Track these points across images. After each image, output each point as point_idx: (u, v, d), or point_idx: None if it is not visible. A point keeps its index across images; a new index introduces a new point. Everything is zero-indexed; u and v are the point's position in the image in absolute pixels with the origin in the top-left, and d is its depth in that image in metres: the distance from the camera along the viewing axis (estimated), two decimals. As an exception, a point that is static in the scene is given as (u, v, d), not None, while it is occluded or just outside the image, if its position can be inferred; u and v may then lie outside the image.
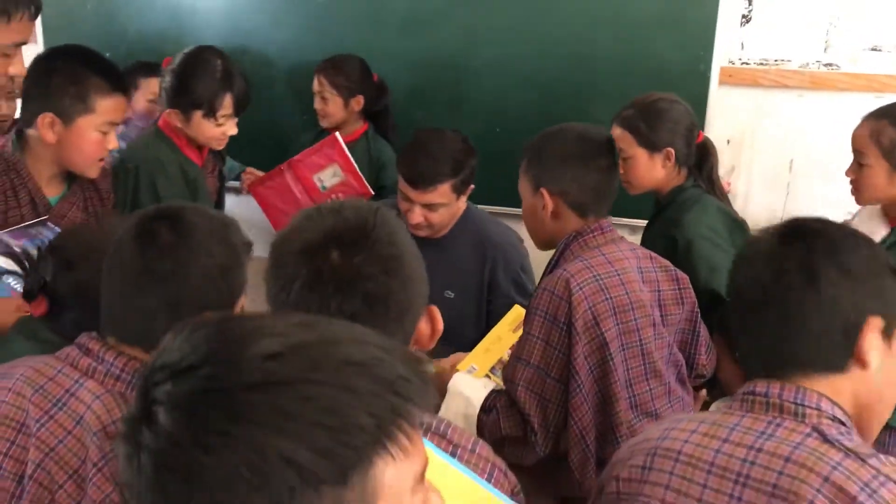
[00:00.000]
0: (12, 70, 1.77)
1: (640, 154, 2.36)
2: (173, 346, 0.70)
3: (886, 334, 1.14)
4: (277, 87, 3.42)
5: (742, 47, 3.08)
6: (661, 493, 1.17)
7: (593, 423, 1.87)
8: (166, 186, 2.54)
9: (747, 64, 3.09)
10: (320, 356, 0.68)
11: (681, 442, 1.19)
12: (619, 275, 1.89)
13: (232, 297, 1.38)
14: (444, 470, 1.00)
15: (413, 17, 3.28)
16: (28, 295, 1.53)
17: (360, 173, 2.93)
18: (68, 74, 2.08)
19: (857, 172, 2.25)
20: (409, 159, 2.43)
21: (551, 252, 2.06)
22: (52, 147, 2.10)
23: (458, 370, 2.10)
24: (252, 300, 1.40)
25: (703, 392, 2.10)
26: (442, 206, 2.44)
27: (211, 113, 2.54)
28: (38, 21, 3.50)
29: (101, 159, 2.17)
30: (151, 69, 3.11)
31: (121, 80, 2.18)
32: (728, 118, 3.12)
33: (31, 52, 3.00)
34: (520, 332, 1.98)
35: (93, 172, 2.18)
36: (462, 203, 2.51)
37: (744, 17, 3.06)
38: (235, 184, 3.21)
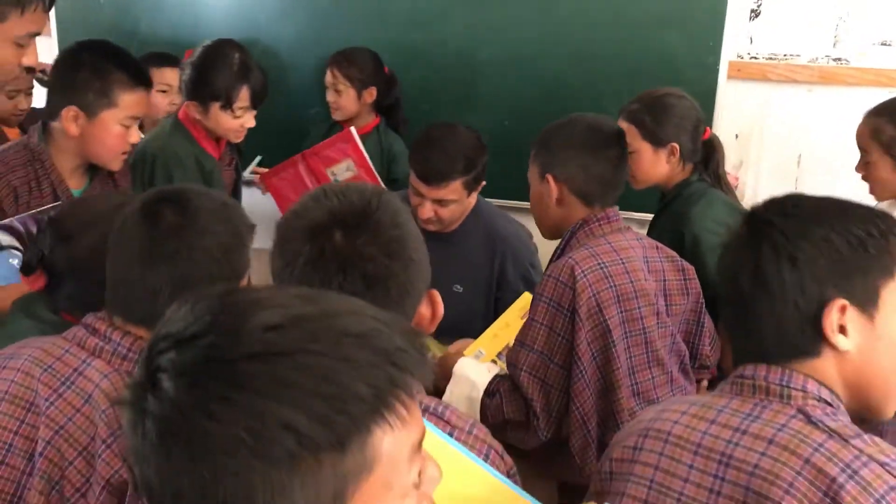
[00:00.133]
0: (26, 61, 1.79)
1: (645, 148, 2.37)
2: (177, 316, 0.72)
3: (863, 311, 1.12)
4: (287, 81, 3.44)
5: (751, 41, 3.08)
6: (651, 472, 1.19)
7: (595, 409, 1.89)
8: (182, 178, 2.57)
9: (756, 58, 3.09)
10: (319, 328, 0.69)
11: (671, 423, 1.21)
12: (623, 263, 1.91)
13: (236, 277, 1.40)
14: (443, 448, 1.02)
15: (421, 12, 3.30)
16: (26, 268, 1.55)
17: (373, 169, 2.95)
18: (93, 69, 2.12)
19: (865, 169, 2.29)
20: (421, 155, 2.43)
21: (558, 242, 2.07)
22: (75, 140, 2.14)
23: (465, 355, 2.13)
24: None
25: (705, 383, 2.12)
26: (453, 202, 2.45)
27: (228, 105, 2.59)
28: (52, 14, 3.56)
29: (124, 153, 2.22)
30: (162, 60, 3.14)
31: (144, 76, 2.22)
32: (736, 112, 3.12)
33: (45, 45, 3.05)
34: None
35: (115, 165, 2.23)
36: (473, 198, 2.53)
37: (752, 11, 3.06)
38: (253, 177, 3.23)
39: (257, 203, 3.09)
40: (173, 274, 1.33)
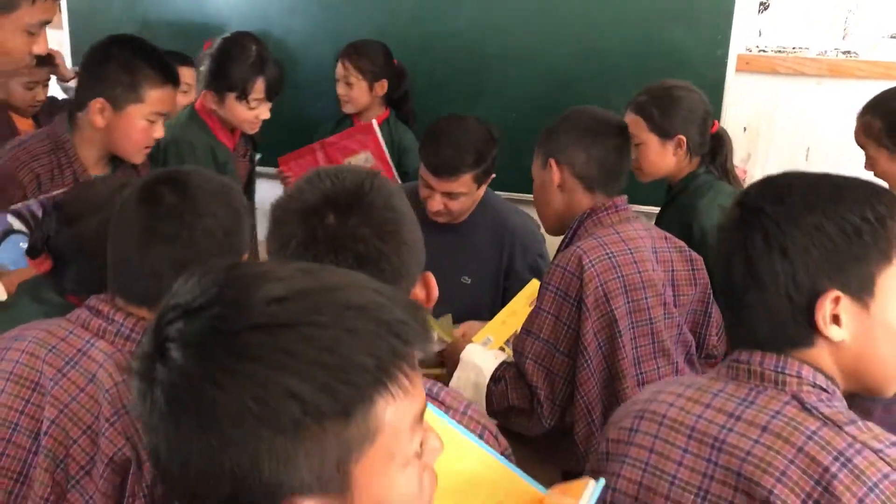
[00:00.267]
0: (36, 49, 1.82)
1: (652, 140, 2.38)
2: (185, 288, 0.73)
3: (858, 300, 1.10)
4: (296, 74, 3.45)
5: (759, 34, 3.08)
6: (646, 455, 1.20)
7: (599, 399, 1.89)
8: (189, 153, 2.62)
9: (764, 51, 3.09)
10: (323, 300, 0.71)
11: (666, 405, 1.21)
12: (631, 253, 1.91)
13: (235, 257, 1.41)
14: (441, 426, 1.03)
15: (430, 5, 3.31)
16: (32, 251, 1.57)
17: (390, 162, 2.96)
18: (123, 63, 2.17)
19: (871, 167, 2.30)
20: (431, 148, 2.44)
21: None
22: (100, 131, 2.19)
23: (472, 342, 2.14)
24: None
25: (711, 373, 2.12)
26: (463, 194, 2.45)
27: (243, 96, 2.65)
28: (64, 8, 3.59)
29: (147, 147, 2.26)
30: (181, 59, 3.17)
31: (172, 73, 2.26)
32: (745, 106, 3.12)
33: (55, 38, 3.08)
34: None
35: (138, 159, 2.27)
36: (482, 190, 2.53)
37: (761, 4, 3.06)
38: (269, 170, 3.24)
39: (274, 196, 3.09)
40: (173, 255, 1.35)
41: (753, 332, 1.14)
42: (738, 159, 2.69)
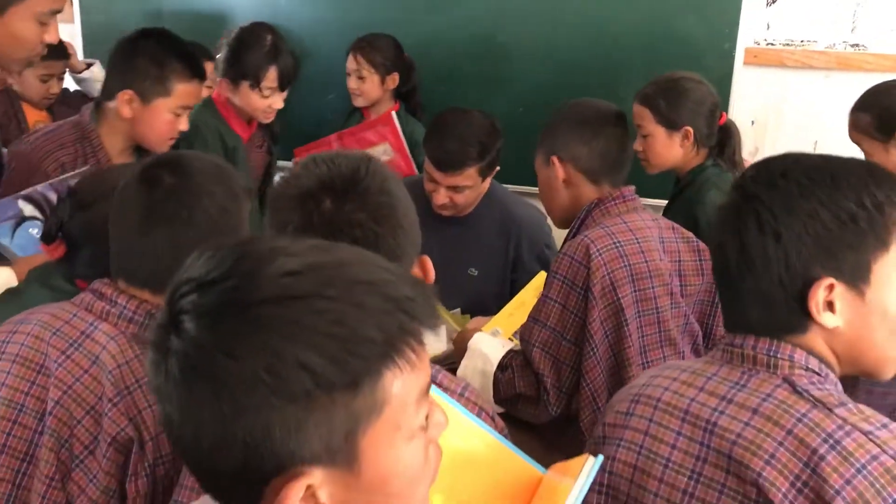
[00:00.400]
0: (48, 38, 1.85)
1: (659, 132, 2.37)
2: (199, 262, 0.75)
3: (853, 287, 1.09)
4: (307, 67, 3.45)
5: (767, 28, 3.07)
6: (640, 438, 1.20)
7: (605, 387, 1.90)
8: (202, 149, 2.64)
9: (772, 44, 3.08)
10: (333, 275, 0.72)
11: (661, 389, 1.21)
12: (639, 243, 1.92)
13: (234, 238, 1.43)
14: (441, 403, 1.04)
15: (439, -4, 3.31)
16: (46, 237, 1.59)
17: (409, 154, 2.98)
18: (152, 57, 2.21)
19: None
20: (435, 141, 2.45)
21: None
22: (127, 122, 2.23)
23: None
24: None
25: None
26: (467, 188, 2.46)
27: (256, 84, 2.70)
28: (76, 0, 3.60)
29: (172, 138, 2.29)
30: (205, 53, 3.20)
31: (200, 68, 2.30)
32: (752, 99, 3.11)
33: (67, 31, 3.10)
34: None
35: (162, 150, 2.29)
36: (487, 183, 2.54)
37: (770, -4, 3.06)
38: (286, 163, 3.24)
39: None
40: (173, 236, 1.36)
41: (747, 317, 1.14)
42: (745, 153, 2.68)
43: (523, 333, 1.98)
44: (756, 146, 3.16)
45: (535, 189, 2.17)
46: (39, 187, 1.92)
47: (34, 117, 3.21)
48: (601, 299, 1.86)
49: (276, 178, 3.10)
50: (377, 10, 3.35)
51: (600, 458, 1.10)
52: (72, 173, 2.03)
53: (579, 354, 1.90)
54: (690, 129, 2.36)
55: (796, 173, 1.11)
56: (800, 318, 1.10)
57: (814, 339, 1.11)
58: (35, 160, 2.15)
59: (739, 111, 3.04)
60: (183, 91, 2.24)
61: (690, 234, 2.05)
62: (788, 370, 1.10)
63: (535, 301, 2.16)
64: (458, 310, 2.51)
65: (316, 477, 0.72)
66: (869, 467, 1.00)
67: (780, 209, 1.09)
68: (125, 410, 1.31)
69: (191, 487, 1.24)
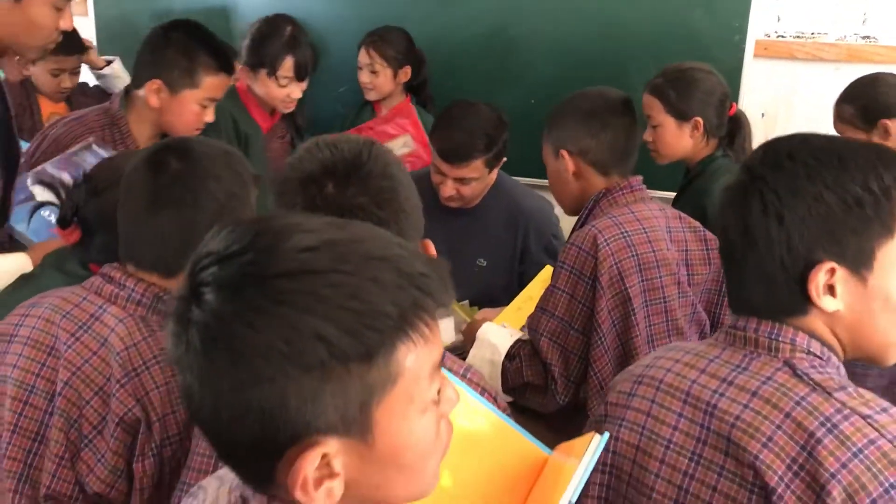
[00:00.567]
0: (63, 24, 1.89)
1: (668, 122, 2.37)
2: (219, 237, 0.76)
3: (855, 272, 1.08)
4: (320, 60, 3.48)
5: (778, 20, 3.06)
6: (643, 419, 1.21)
7: (613, 376, 1.89)
8: (212, 129, 2.68)
9: (783, 37, 3.07)
10: (349, 251, 0.74)
11: (664, 371, 1.21)
12: (646, 232, 1.92)
13: None
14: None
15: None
16: (62, 222, 1.62)
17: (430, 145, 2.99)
18: (182, 49, 2.26)
19: None
20: (442, 134, 2.46)
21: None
22: (154, 111, 2.28)
23: None
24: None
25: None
26: (474, 179, 2.48)
27: (273, 72, 2.76)
28: (89, -8, 3.62)
29: (198, 129, 2.33)
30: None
31: (228, 62, 2.34)
32: (762, 91, 3.10)
33: (81, 24, 3.13)
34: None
35: None
36: (494, 174, 2.55)
37: (780, -11, 3.04)
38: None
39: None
40: (179, 219, 1.39)
41: (750, 299, 1.14)
42: (755, 145, 2.68)
43: (531, 323, 1.98)
44: (766, 139, 3.14)
45: (545, 182, 2.17)
46: (47, 166, 1.95)
47: (50, 109, 3.24)
48: (609, 289, 1.87)
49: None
50: (389, 4, 3.35)
51: (606, 435, 1.10)
52: (75, 148, 2.06)
53: (587, 344, 1.91)
54: (700, 120, 2.36)
55: (803, 154, 1.10)
56: (800, 300, 1.10)
57: (815, 321, 1.11)
58: (64, 143, 2.19)
59: (749, 104, 3.03)
60: (210, 84, 2.28)
61: (697, 224, 2.05)
62: (790, 353, 1.10)
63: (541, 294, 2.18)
64: (467, 302, 2.52)
65: (331, 446, 0.73)
66: (866, 451, 1.00)
67: (784, 191, 1.08)
68: (132, 391, 1.34)
69: (198, 469, 1.26)
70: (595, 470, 1.21)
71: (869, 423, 1.02)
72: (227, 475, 0.89)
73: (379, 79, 3.11)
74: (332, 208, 1.13)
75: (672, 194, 2.63)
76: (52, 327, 1.40)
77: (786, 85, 3.10)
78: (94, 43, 3.50)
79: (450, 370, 1.19)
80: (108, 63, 3.32)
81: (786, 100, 3.12)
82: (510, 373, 1.99)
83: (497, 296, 2.46)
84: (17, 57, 2.95)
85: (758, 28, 3.03)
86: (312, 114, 3.32)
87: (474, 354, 2.06)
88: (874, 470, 0.99)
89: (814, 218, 1.07)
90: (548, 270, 2.28)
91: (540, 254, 2.58)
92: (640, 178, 2.03)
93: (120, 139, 2.26)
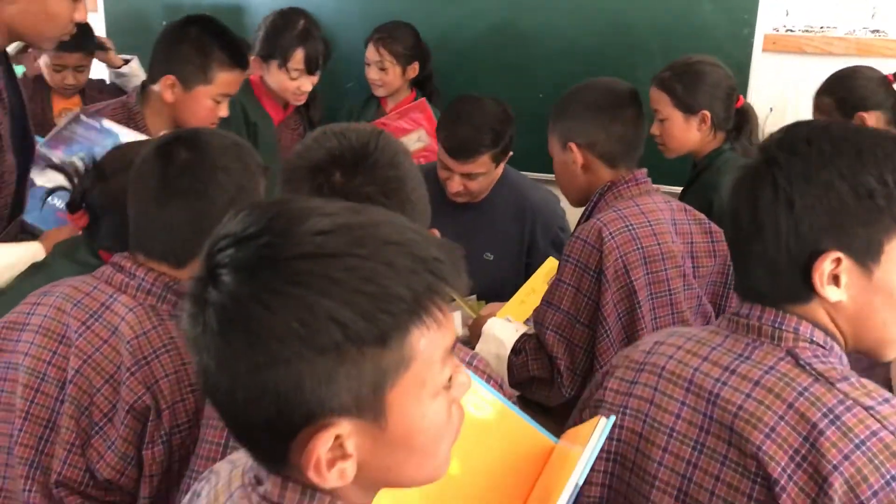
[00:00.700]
0: (77, 16, 1.92)
1: (676, 116, 2.37)
2: (236, 220, 0.77)
3: (861, 264, 1.07)
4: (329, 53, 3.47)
5: (787, 14, 3.05)
6: (646, 407, 1.20)
7: (618, 369, 1.91)
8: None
9: (792, 31, 3.06)
10: (364, 235, 0.75)
11: (666, 358, 1.21)
12: (651, 225, 1.92)
13: None
14: None
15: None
16: (71, 206, 1.64)
17: None
18: (196, 45, 2.28)
19: None
20: (448, 130, 2.46)
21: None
22: (169, 105, 2.30)
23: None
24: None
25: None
26: (481, 174, 2.48)
27: (283, 64, 2.78)
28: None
29: (212, 123, 2.35)
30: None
31: (242, 58, 2.36)
32: (771, 86, 3.10)
33: (91, 19, 3.13)
34: (553, 282, 2.03)
35: None
36: (500, 169, 2.55)
37: (789, -17, 3.04)
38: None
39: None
40: (188, 209, 1.40)
41: (754, 284, 1.14)
42: (763, 139, 2.67)
43: (537, 317, 1.99)
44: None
45: (553, 176, 2.17)
46: (42, 148, 1.97)
47: (63, 105, 3.26)
48: (614, 282, 1.87)
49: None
50: (396, -1, 3.36)
51: (612, 418, 1.10)
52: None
53: (592, 337, 1.91)
54: (708, 113, 2.36)
55: (821, 141, 1.08)
56: (803, 287, 1.09)
57: (817, 310, 1.10)
58: None
59: (758, 98, 3.03)
60: (224, 80, 2.30)
61: (702, 216, 2.05)
62: (793, 342, 1.10)
63: (545, 287, 2.17)
64: (474, 297, 2.52)
65: (344, 428, 0.74)
66: (868, 443, 1.00)
67: (797, 176, 1.07)
68: (142, 379, 1.35)
69: (206, 457, 1.27)
70: (598, 457, 1.21)
71: (871, 415, 1.02)
72: (239, 459, 0.90)
73: (388, 75, 3.12)
74: (339, 197, 1.12)
75: (678, 188, 2.62)
76: (64, 316, 1.42)
77: (794, 79, 3.09)
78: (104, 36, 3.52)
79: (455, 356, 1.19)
80: (126, 62, 3.34)
81: (794, 94, 3.10)
82: (516, 367, 2.00)
83: (504, 289, 2.46)
84: (30, 49, 2.98)
85: (766, 22, 3.03)
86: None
87: (480, 349, 2.07)
88: (876, 462, 0.99)
89: (824, 206, 1.05)
90: (551, 262, 2.28)
91: (547, 247, 2.58)
92: (644, 170, 2.03)
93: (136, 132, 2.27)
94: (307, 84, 2.85)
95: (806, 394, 1.05)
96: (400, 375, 0.74)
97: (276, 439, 0.75)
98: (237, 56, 2.32)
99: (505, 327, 2.09)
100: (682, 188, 2.60)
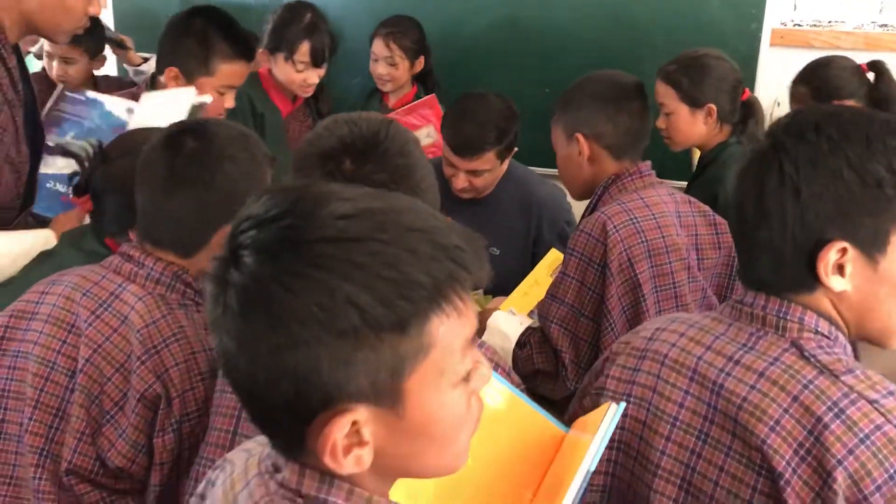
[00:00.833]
0: (91, 10, 1.94)
1: (682, 109, 2.37)
2: (258, 203, 0.77)
3: (867, 254, 1.05)
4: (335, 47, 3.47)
5: (794, 8, 3.05)
6: (649, 395, 1.20)
7: (623, 362, 1.91)
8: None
9: (799, 25, 3.06)
10: (387, 220, 0.75)
11: (668, 345, 1.20)
12: (655, 218, 1.92)
13: None
14: None
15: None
16: (77, 189, 1.65)
17: None
18: (199, 37, 2.28)
19: None
20: (453, 127, 2.45)
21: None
22: None
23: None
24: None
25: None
26: (486, 171, 2.48)
27: (289, 56, 2.79)
28: (106, -19, 3.64)
29: (219, 115, 2.33)
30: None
31: (246, 49, 2.35)
32: (778, 80, 3.07)
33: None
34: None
35: None
36: (505, 164, 2.55)
37: (796, -23, 3.03)
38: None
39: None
40: (195, 198, 1.41)
41: (758, 273, 1.12)
42: (770, 134, 2.67)
43: (541, 310, 1.99)
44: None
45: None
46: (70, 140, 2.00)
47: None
48: (618, 276, 1.87)
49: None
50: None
51: (622, 405, 1.09)
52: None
53: (597, 330, 1.91)
54: (714, 107, 2.35)
55: (829, 127, 1.06)
56: (807, 277, 1.08)
57: (821, 299, 1.09)
58: None
59: (765, 92, 3.02)
60: (227, 71, 2.30)
61: (707, 208, 2.05)
62: (797, 333, 1.09)
63: (547, 278, 2.18)
64: (481, 291, 2.53)
65: (361, 414, 0.74)
66: (873, 437, 0.99)
67: (804, 164, 1.05)
68: (153, 368, 1.37)
69: (216, 444, 1.29)
70: (605, 447, 1.21)
71: (876, 408, 1.01)
72: (254, 448, 0.90)
73: (398, 70, 3.12)
74: (350, 184, 1.15)
75: (683, 183, 2.62)
76: (73, 305, 1.43)
77: (802, 74, 3.08)
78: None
79: None
80: (146, 60, 3.35)
81: (801, 89, 3.10)
82: (521, 360, 2.00)
83: (510, 284, 2.46)
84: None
85: (774, 16, 3.02)
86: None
87: (485, 342, 2.07)
88: (880, 456, 0.99)
89: (831, 195, 1.04)
90: (553, 253, 2.28)
91: (553, 241, 2.58)
92: (648, 163, 2.03)
93: None
94: (313, 77, 2.86)
95: (811, 386, 1.04)
96: (418, 363, 0.74)
97: (294, 422, 0.75)
98: (240, 47, 2.32)
99: (509, 321, 2.09)
100: (685, 183, 2.60)
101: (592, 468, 1.02)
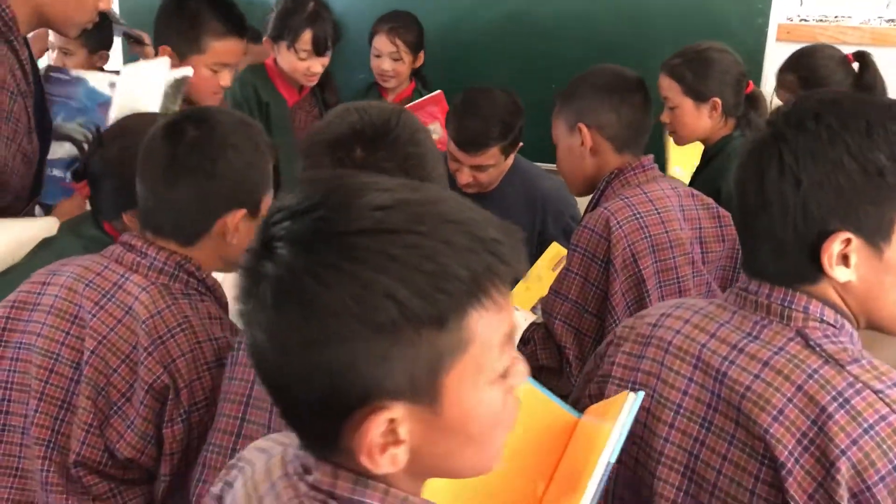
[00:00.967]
0: (102, 5, 1.96)
1: (686, 103, 2.37)
2: (291, 195, 0.76)
3: (872, 243, 1.04)
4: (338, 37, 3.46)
5: (801, 3, 3.04)
6: (653, 382, 1.19)
7: (628, 357, 1.91)
8: (230, 96, 2.75)
9: (806, 20, 3.05)
10: (423, 212, 0.73)
11: (672, 332, 1.19)
12: (659, 213, 1.91)
13: (258, 192, 1.46)
14: None
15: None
16: (76, 175, 1.66)
17: None
18: (190, 16, 2.30)
19: None
20: (457, 122, 2.45)
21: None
22: None
23: None
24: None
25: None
26: (490, 166, 2.48)
27: (292, 45, 2.80)
28: (111, -26, 3.65)
29: (216, 93, 2.35)
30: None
31: (238, 26, 2.35)
32: (785, 75, 3.09)
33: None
34: (559, 270, 2.04)
35: (209, 104, 2.34)
36: (510, 160, 2.55)
37: (803, -27, 3.03)
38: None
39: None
40: (197, 187, 1.41)
41: (761, 263, 1.11)
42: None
43: (545, 306, 1.98)
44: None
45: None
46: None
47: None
48: (622, 271, 1.87)
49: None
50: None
51: (641, 394, 1.08)
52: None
53: (601, 326, 1.91)
54: (718, 100, 2.35)
55: (829, 116, 1.04)
56: (810, 268, 1.07)
57: (826, 289, 1.08)
58: None
59: (771, 87, 3.01)
60: (218, 48, 2.30)
61: (710, 201, 2.04)
62: (802, 322, 1.08)
63: (550, 274, 2.17)
64: None
65: (398, 412, 0.72)
66: (877, 427, 0.99)
67: (804, 153, 1.03)
68: (160, 359, 1.36)
69: (223, 430, 1.29)
70: None
71: (881, 398, 1.01)
72: (272, 448, 0.88)
73: (403, 65, 3.12)
74: (360, 172, 1.15)
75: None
76: (76, 296, 1.42)
77: (808, 69, 3.08)
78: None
79: None
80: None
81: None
82: (525, 356, 1.99)
83: (516, 278, 2.46)
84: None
85: (780, 11, 3.02)
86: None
87: None
88: (884, 447, 0.99)
89: (832, 185, 1.02)
90: (554, 247, 2.27)
91: (559, 236, 2.57)
92: (651, 156, 2.02)
93: None
94: (317, 65, 2.86)
95: (815, 376, 1.03)
96: (456, 359, 0.72)
97: (329, 420, 0.73)
98: (231, 25, 2.31)
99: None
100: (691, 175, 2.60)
101: (613, 459, 1.01)
